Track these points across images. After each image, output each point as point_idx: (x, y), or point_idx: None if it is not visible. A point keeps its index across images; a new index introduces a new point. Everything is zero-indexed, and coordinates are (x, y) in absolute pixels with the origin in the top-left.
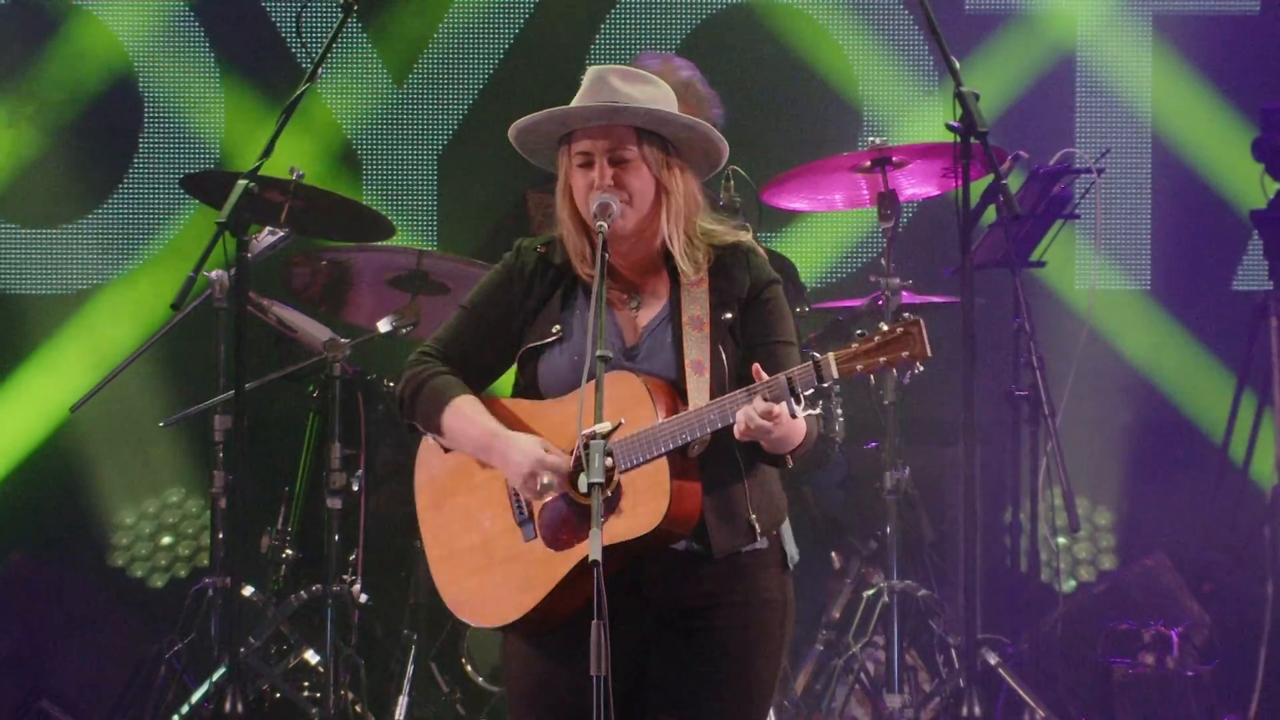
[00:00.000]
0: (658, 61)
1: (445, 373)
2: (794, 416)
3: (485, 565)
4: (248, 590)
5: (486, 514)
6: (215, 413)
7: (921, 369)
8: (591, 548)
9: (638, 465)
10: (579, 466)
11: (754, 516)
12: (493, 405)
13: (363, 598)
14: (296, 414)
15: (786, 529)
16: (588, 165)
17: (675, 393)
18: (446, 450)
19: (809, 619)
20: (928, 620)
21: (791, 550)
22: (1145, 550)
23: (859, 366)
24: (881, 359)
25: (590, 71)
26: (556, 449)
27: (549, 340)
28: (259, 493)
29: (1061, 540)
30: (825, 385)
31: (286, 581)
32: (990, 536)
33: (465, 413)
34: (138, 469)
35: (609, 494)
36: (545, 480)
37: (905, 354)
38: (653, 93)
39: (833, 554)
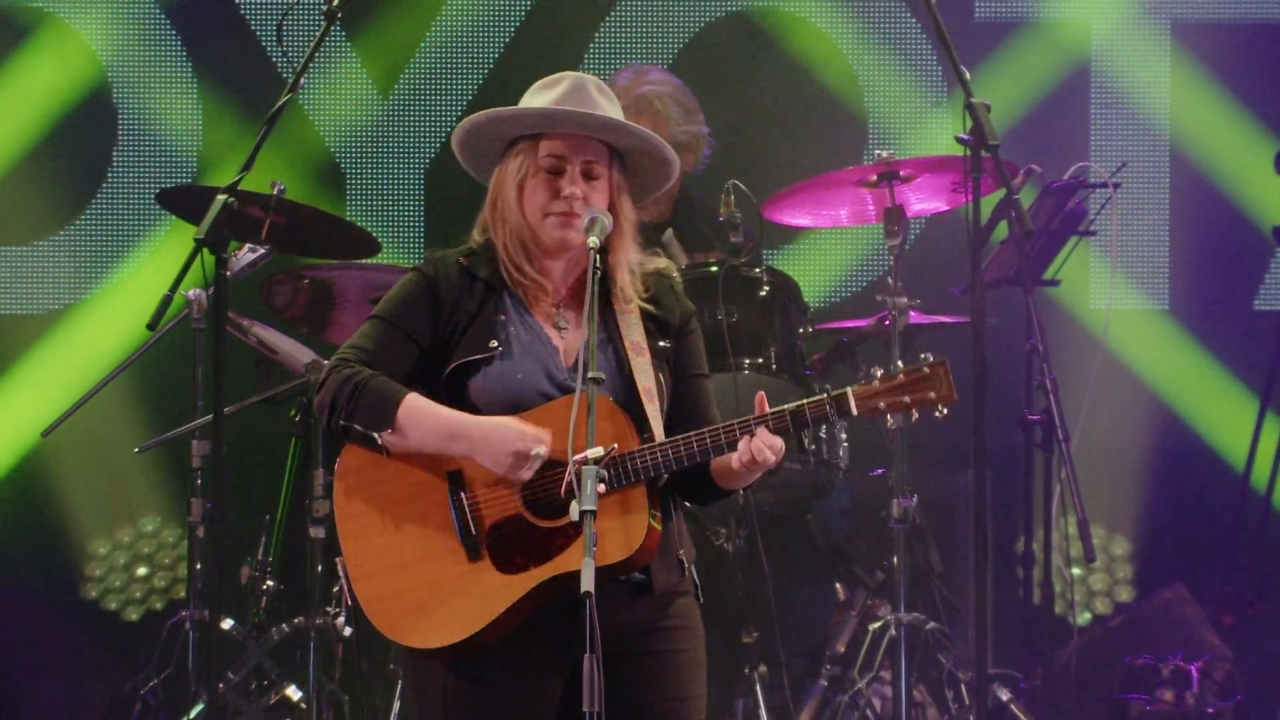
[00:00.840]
0: (627, 76)
1: (380, 374)
2: (803, 450)
3: (422, 583)
4: (227, 623)
5: (424, 529)
6: (193, 438)
7: (945, 413)
8: (584, 578)
9: (611, 491)
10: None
11: (681, 552)
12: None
13: (347, 631)
14: (278, 439)
15: (692, 568)
16: (556, 172)
17: (634, 418)
18: (388, 455)
19: (812, 653)
20: (936, 655)
21: (698, 583)
22: (1164, 582)
23: (881, 405)
24: (905, 399)
25: (569, 77)
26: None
27: (483, 356)
28: (238, 521)
29: (1076, 571)
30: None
31: (267, 614)
32: (1002, 567)
33: (421, 406)
34: (112, 497)
35: (572, 518)
36: (538, 451)
37: (931, 395)
38: (618, 111)
39: (837, 585)
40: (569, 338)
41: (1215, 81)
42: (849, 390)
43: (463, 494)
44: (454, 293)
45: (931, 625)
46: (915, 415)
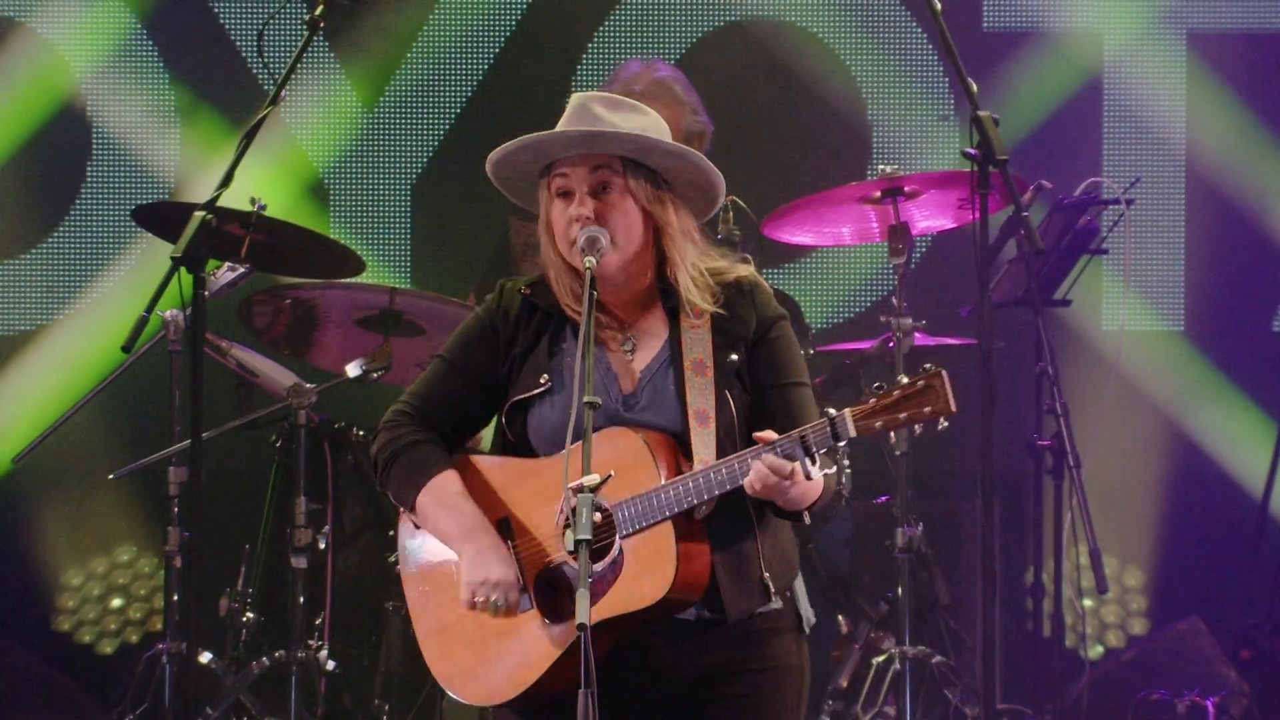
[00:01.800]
0: (639, 64)
1: (424, 441)
2: (809, 478)
3: (480, 638)
4: (205, 657)
5: None
6: (170, 464)
7: (946, 425)
8: (579, 610)
9: (639, 531)
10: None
11: (767, 575)
12: (481, 465)
13: (330, 665)
14: (258, 465)
15: (800, 588)
16: (567, 196)
17: (677, 447)
18: (418, 526)
19: (814, 687)
20: (943, 690)
21: (807, 613)
22: (1179, 614)
23: (878, 424)
24: (902, 415)
25: (574, 99)
26: (513, 564)
27: (537, 392)
28: (217, 551)
29: (1088, 603)
30: (842, 444)
31: (247, 647)
32: (1010, 598)
33: (440, 497)
34: (85, 525)
35: (611, 560)
36: (495, 600)
37: (928, 409)
38: (641, 121)
39: (840, 617)
40: (633, 361)
41: (1233, 93)
42: (846, 412)
43: (510, 542)
44: (513, 327)
45: (937, 659)
46: (918, 429)
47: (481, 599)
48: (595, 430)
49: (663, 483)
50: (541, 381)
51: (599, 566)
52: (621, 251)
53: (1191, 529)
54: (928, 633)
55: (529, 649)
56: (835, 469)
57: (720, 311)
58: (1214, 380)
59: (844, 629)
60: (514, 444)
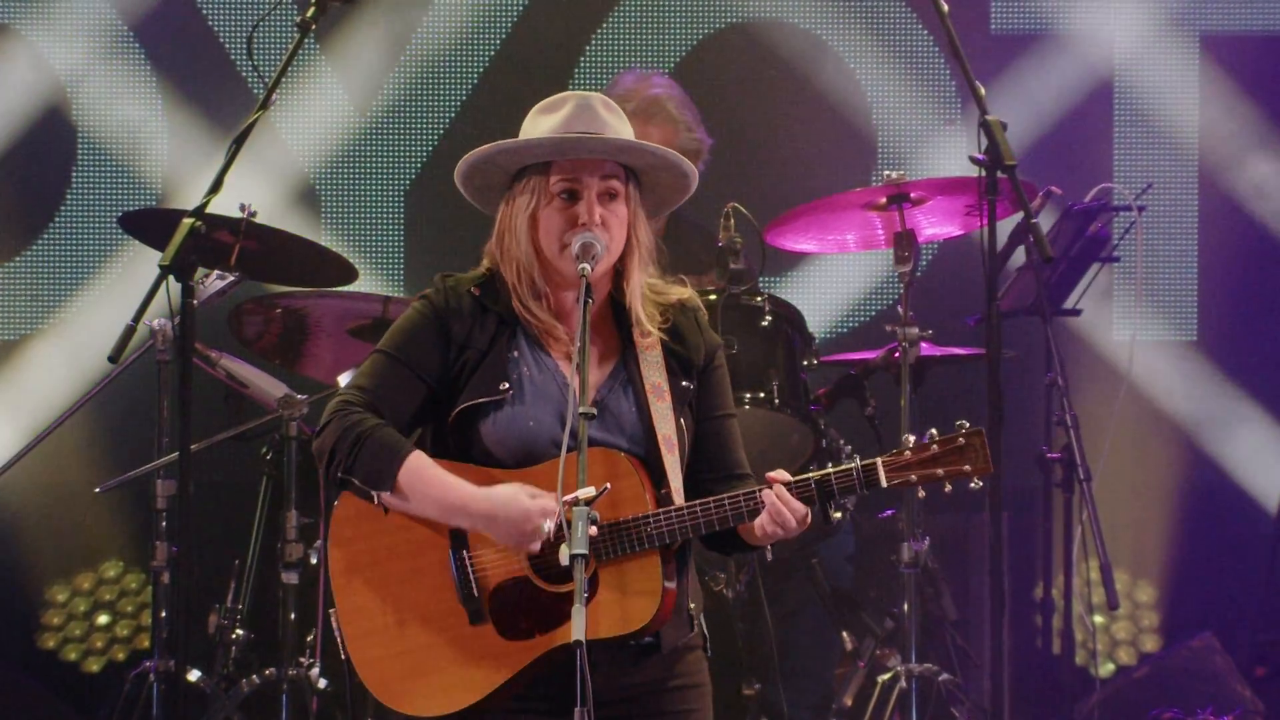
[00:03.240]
0: (633, 78)
1: (386, 425)
2: (828, 522)
3: (419, 646)
4: (194, 675)
5: (422, 588)
6: (157, 477)
7: (980, 485)
8: (574, 626)
9: (623, 556)
10: (554, 542)
11: (692, 605)
12: (454, 471)
13: (321, 683)
14: (248, 478)
15: (702, 618)
16: (571, 196)
17: (650, 470)
18: (386, 511)
19: (817, 707)
20: (950, 708)
21: (706, 632)
22: (1192, 630)
23: (913, 477)
24: (940, 471)
25: (573, 97)
26: (540, 492)
27: (494, 399)
28: (206, 566)
29: (1098, 619)
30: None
31: (237, 665)
32: (1019, 615)
33: (425, 471)
34: (71, 540)
35: (563, 562)
36: (548, 526)
37: (966, 468)
38: (628, 128)
39: (844, 634)
40: (591, 375)
41: (1247, 97)
42: (879, 461)
43: (465, 553)
44: (465, 326)
45: (944, 677)
46: (948, 488)
47: (537, 541)
48: (559, 444)
49: (655, 510)
50: (502, 388)
51: (570, 588)
52: (608, 261)
53: (1205, 543)
54: (934, 650)
55: (479, 666)
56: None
57: (670, 334)
58: (1228, 392)
59: (848, 646)
60: (456, 452)
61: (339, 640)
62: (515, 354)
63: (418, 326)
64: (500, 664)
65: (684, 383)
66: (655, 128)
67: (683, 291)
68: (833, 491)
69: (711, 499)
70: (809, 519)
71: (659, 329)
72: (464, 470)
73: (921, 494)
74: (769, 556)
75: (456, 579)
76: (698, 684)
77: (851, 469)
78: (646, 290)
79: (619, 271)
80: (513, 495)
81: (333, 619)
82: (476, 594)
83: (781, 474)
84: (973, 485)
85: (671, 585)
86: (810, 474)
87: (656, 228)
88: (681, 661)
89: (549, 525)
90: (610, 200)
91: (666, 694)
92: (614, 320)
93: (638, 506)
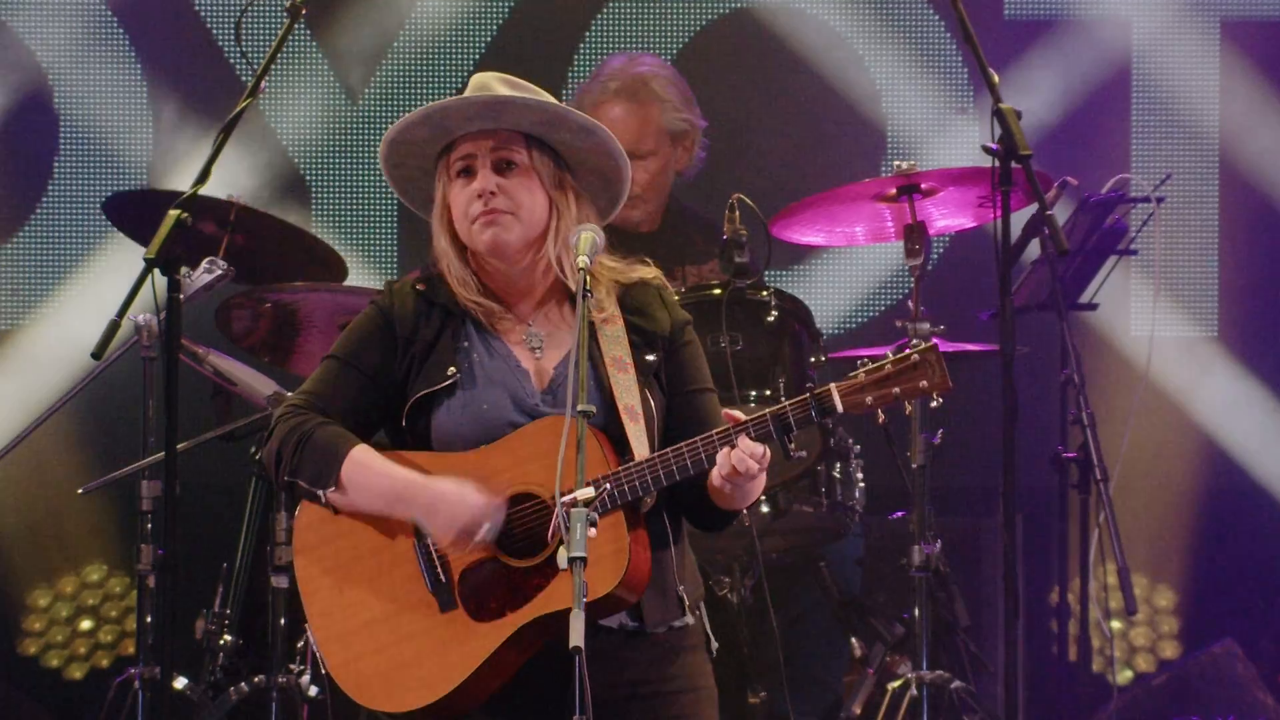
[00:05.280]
0: (621, 60)
1: (330, 423)
2: (788, 458)
3: (393, 641)
4: (180, 682)
5: (392, 583)
6: (143, 478)
7: (940, 402)
8: (573, 633)
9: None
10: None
11: (681, 588)
12: (397, 457)
13: (312, 690)
14: (236, 479)
15: (703, 611)
16: (468, 174)
17: (613, 441)
18: (336, 512)
19: (825, 714)
20: (962, 716)
21: (711, 635)
22: (1212, 636)
23: (868, 399)
24: (895, 390)
25: (474, 78)
26: (483, 488)
27: (442, 385)
28: (193, 570)
29: (1116, 624)
30: (827, 421)
31: (225, 672)
32: (1034, 620)
33: (369, 463)
34: (53, 543)
35: (548, 554)
36: (486, 528)
37: (923, 384)
38: (545, 100)
39: (853, 640)
40: (543, 359)
41: (1270, 85)
42: (832, 386)
43: (430, 540)
44: (410, 323)
45: (957, 684)
46: (909, 407)
47: (471, 540)
48: (515, 427)
49: (615, 470)
50: (449, 374)
51: (537, 561)
52: (525, 227)
53: (1226, 546)
54: (946, 656)
55: (452, 651)
56: (803, 453)
57: (632, 310)
58: (1250, 389)
59: (857, 652)
60: (412, 443)
61: (313, 647)
62: (465, 343)
63: (362, 328)
64: (474, 648)
65: (649, 356)
66: (639, 105)
67: (646, 271)
68: (789, 424)
69: (670, 449)
70: (767, 457)
71: (616, 304)
72: (407, 458)
73: (881, 419)
74: (745, 521)
75: (424, 568)
76: (696, 687)
77: (805, 398)
78: (604, 270)
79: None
80: (458, 489)
81: (309, 631)
82: (444, 580)
83: (736, 414)
84: (934, 404)
85: (642, 547)
86: (765, 410)
87: (652, 219)
88: (678, 661)
89: (488, 530)
90: (509, 169)
91: (661, 698)
92: (567, 298)
93: (598, 469)
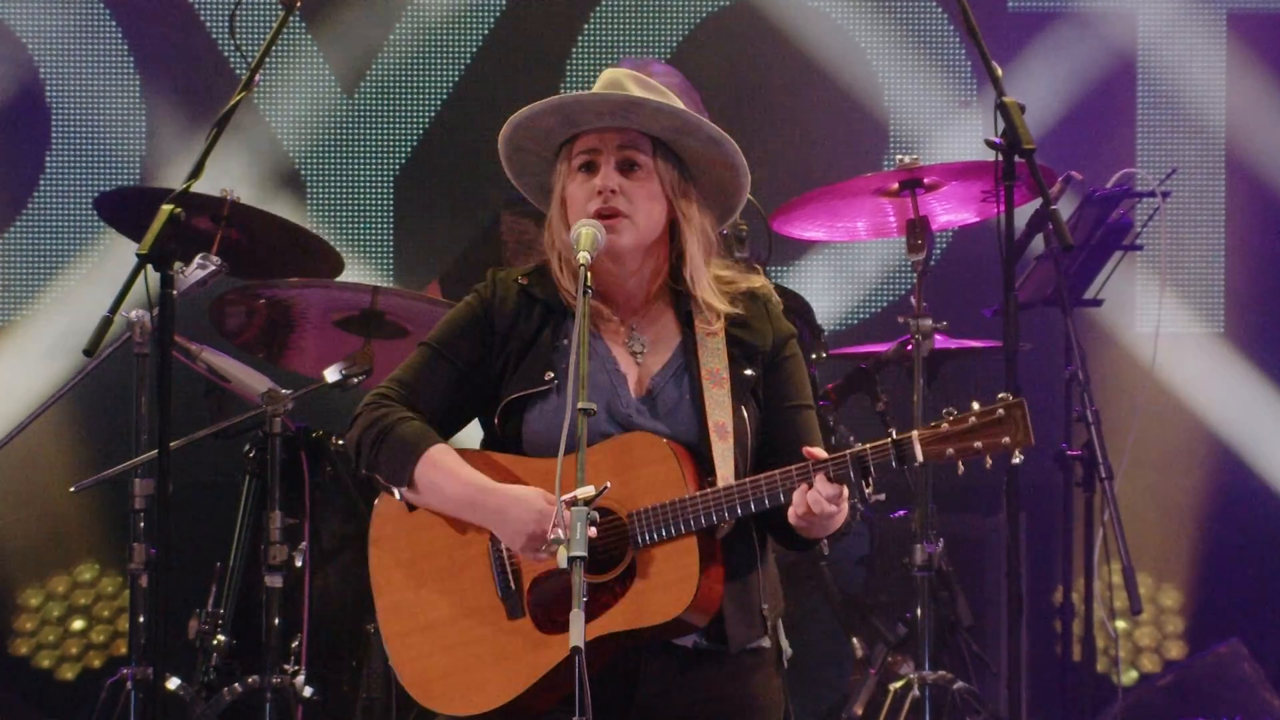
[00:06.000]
0: (630, 63)
1: (413, 418)
2: (864, 502)
3: (459, 643)
4: (173, 683)
5: (462, 584)
6: (135, 476)
7: (1020, 460)
8: (573, 632)
9: (659, 542)
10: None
11: (765, 606)
12: (473, 458)
13: (307, 691)
14: (230, 477)
15: (780, 626)
16: (590, 169)
17: (697, 460)
18: (411, 508)
19: (827, 716)
20: (965, 717)
21: (786, 646)
22: (1218, 636)
23: (950, 451)
24: (978, 444)
25: (606, 73)
26: (551, 495)
27: (540, 389)
28: (186, 569)
29: (1121, 624)
30: (904, 469)
31: (218, 673)
32: (1037, 620)
33: (444, 465)
34: (44, 542)
35: (622, 570)
36: (555, 537)
37: (1005, 440)
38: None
39: (854, 640)
40: (645, 362)
41: (1277, 78)
42: (914, 434)
43: (504, 545)
44: (510, 317)
45: (959, 685)
46: (989, 462)
47: (542, 550)
48: (606, 436)
49: (691, 495)
50: (547, 378)
51: (608, 577)
52: (640, 232)
53: (1232, 545)
54: (949, 656)
55: (516, 660)
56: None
57: (736, 322)
58: (1256, 386)
59: (859, 652)
60: (502, 444)
61: (379, 640)
62: (565, 340)
63: (461, 317)
64: (538, 659)
65: (747, 370)
66: None
67: (754, 280)
68: (868, 467)
69: (748, 480)
70: (844, 495)
71: (728, 307)
72: (482, 458)
73: (961, 470)
74: (825, 550)
75: (495, 572)
76: (765, 705)
77: (886, 442)
78: (712, 280)
79: (678, 256)
80: (526, 496)
81: (376, 623)
82: (514, 587)
83: (817, 451)
84: (1015, 460)
85: (714, 573)
86: (844, 450)
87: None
88: (751, 679)
89: (560, 535)
90: (631, 170)
91: (730, 718)
92: (673, 306)
93: (675, 491)
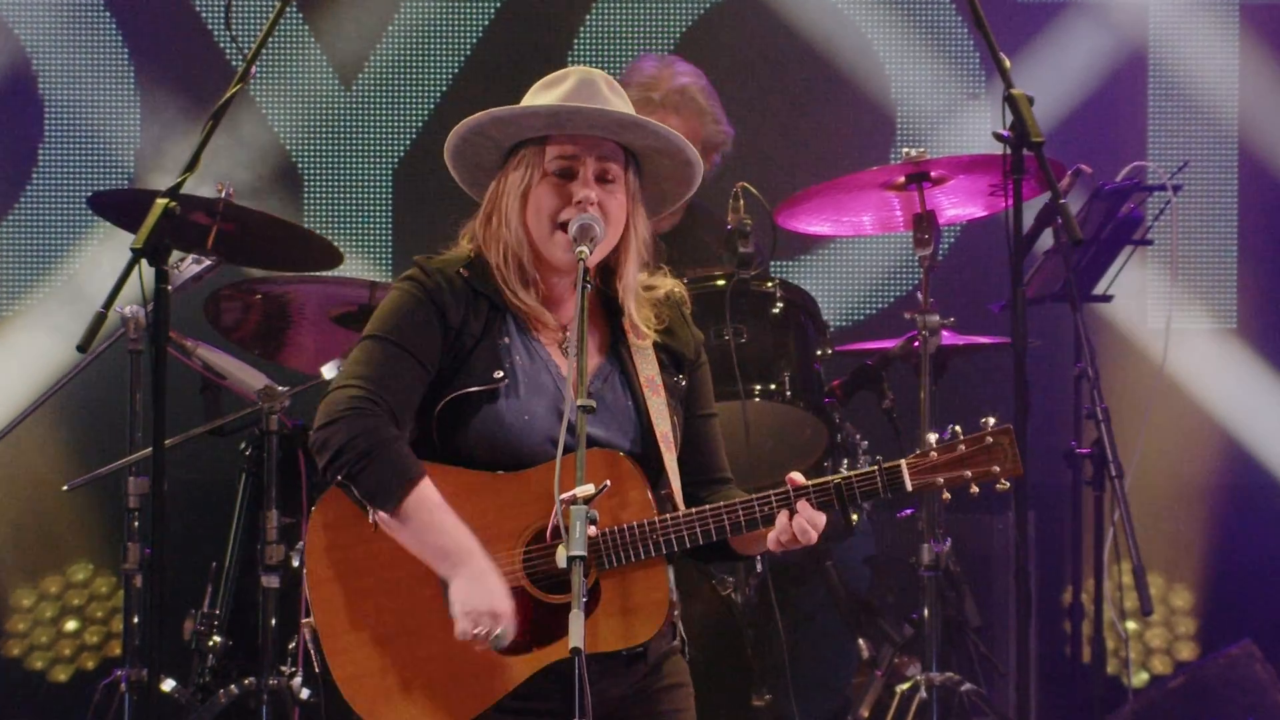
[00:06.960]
0: (654, 65)
1: (400, 439)
2: (848, 528)
3: (408, 662)
4: (168, 684)
5: (411, 599)
6: (130, 474)
7: (1007, 487)
8: (572, 633)
9: (626, 565)
10: (547, 561)
11: (675, 614)
12: (441, 475)
13: (304, 693)
14: (226, 476)
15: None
16: (567, 175)
17: (648, 472)
18: (375, 527)
19: (833, 717)
20: (973, 719)
21: (684, 636)
22: (1230, 637)
23: (939, 480)
24: (967, 473)
25: (575, 72)
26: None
27: (488, 389)
28: (181, 569)
29: (1131, 625)
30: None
31: (214, 674)
32: (1047, 621)
33: (430, 505)
34: (37, 541)
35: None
36: (498, 634)
37: (994, 468)
38: (630, 110)
39: (860, 641)
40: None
41: None
42: (903, 463)
43: (452, 602)
44: (460, 310)
45: (967, 687)
46: (975, 490)
47: (484, 630)
48: (555, 440)
49: (663, 516)
50: (496, 376)
51: (566, 598)
52: (606, 245)
53: (1244, 545)
54: (956, 658)
55: (471, 682)
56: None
57: (662, 329)
58: (1270, 382)
59: (865, 654)
60: (439, 443)
61: (313, 655)
62: (506, 340)
63: (412, 309)
64: (495, 680)
65: (677, 378)
66: (682, 120)
67: (667, 282)
68: (854, 496)
69: (723, 504)
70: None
71: (652, 326)
72: (456, 476)
73: (946, 497)
74: (758, 567)
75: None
76: (682, 683)
77: (873, 471)
78: (639, 289)
79: (609, 267)
80: (484, 584)
81: (305, 631)
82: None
83: (798, 477)
84: (998, 486)
85: (674, 596)
86: (829, 478)
87: (675, 217)
88: (665, 664)
89: (501, 635)
90: (605, 183)
91: (658, 694)
92: (603, 309)
93: (644, 511)
